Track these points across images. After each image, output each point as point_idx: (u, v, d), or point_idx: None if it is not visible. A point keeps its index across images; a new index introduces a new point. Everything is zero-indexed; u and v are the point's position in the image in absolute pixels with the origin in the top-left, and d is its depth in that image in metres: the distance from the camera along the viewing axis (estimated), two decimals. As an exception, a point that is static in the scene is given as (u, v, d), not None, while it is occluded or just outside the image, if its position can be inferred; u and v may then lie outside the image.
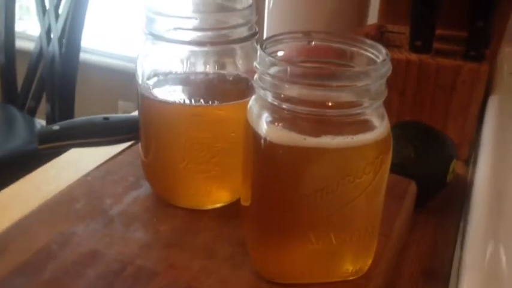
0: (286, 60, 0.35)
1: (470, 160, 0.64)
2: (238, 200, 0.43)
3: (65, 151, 0.64)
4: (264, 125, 0.34)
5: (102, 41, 1.95)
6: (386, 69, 0.33)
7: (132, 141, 0.63)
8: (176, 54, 0.40)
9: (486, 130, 0.54)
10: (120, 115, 0.64)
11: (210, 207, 0.43)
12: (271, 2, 0.76)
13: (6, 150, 1.27)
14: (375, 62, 0.34)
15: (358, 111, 0.33)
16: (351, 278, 0.37)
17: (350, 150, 0.33)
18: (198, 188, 0.42)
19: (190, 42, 0.38)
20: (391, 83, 0.68)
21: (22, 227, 0.40)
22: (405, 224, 0.46)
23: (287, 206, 0.34)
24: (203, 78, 0.41)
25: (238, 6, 0.41)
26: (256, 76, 0.34)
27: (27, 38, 1.74)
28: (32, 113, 1.44)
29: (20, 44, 1.60)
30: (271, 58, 0.33)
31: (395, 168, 0.50)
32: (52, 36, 1.35)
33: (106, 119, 0.61)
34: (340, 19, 0.72)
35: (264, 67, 0.33)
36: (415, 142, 0.51)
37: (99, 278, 0.36)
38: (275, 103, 0.33)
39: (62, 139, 0.58)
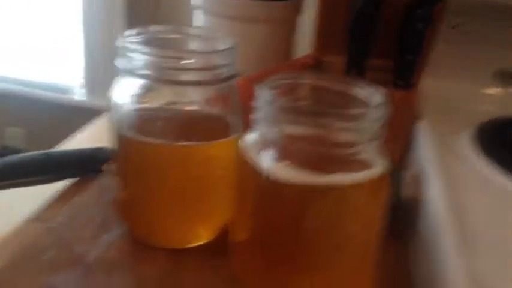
0: (285, 97, 0.36)
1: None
2: (219, 237, 0.43)
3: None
4: (267, 162, 0.34)
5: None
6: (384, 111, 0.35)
7: (75, 178, 0.59)
8: (155, 91, 0.39)
9: (425, 152, 0.58)
10: (59, 150, 0.60)
11: (192, 245, 0.42)
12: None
13: None
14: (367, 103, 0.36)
15: (363, 149, 0.34)
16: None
17: (357, 187, 0.34)
18: (183, 226, 0.41)
19: (172, 82, 0.38)
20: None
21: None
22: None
23: (290, 241, 0.35)
24: (183, 117, 0.40)
25: (221, 45, 0.41)
26: (257, 114, 0.35)
27: None
28: None
29: None
30: (273, 97, 0.33)
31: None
32: None
33: (45, 154, 0.57)
34: (270, 51, 0.74)
35: (265, 105, 0.34)
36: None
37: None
38: (277, 141, 0.34)
39: (6, 178, 0.53)
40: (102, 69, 1.65)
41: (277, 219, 0.35)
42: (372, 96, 0.36)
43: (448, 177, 0.54)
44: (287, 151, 0.34)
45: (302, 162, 0.34)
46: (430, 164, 0.56)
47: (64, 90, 1.79)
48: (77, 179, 0.59)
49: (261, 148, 0.35)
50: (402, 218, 0.58)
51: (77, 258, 0.40)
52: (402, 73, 0.66)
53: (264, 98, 0.34)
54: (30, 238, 0.41)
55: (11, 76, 1.80)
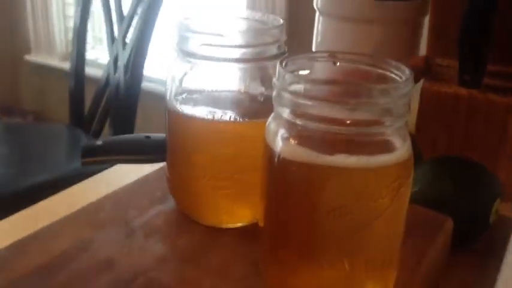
0: (305, 78, 0.35)
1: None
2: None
3: (107, 167, 0.66)
4: (279, 142, 0.33)
5: (160, 70, 2.01)
6: (408, 89, 0.32)
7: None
8: (205, 71, 0.40)
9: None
10: (161, 134, 0.65)
11: (230, 226, 0.43)
12: (319, 36, 0.76)
13: (70, 170, 1.32)
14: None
15: (375, 131, 0.32)
16: (366, 310, 0.35)
17: (365, 171, 0.31)
18: (217, 205, 0.42)
19: (218, 59, 0.39)
20: (438, 117, 0.66)
21: (48, 231, 0.42)
22: (437, 262, 0.43)
23: (298, 226, 0.33)
24: (229, 96, 0.41)
25: (266, 25, 0.41)
26: (274, 93, 0.34)
27: (98, 65, 1.83)
28: (97, 136, 1.50)
29: (90, 71, 1.69)
30: (288, 74, 0.33)
31: (432, 205, 0.48)
32: (119, 64, 1.42)
33: (147, 137, 0.62)
34: (387, 50, 0.71)
35: (282, 83, 0.33)
36: (455, 178, 0.49)
37: (109, 285, 0.36)
38: (291, 120, 0.32)
39: (104, 154, 0.60)
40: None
41: (288, 200, 0.34)
42: (398, 73, 0.33)
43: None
44: (300, 130, 0.33)
45: (316, 141, 0.32)
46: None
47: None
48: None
49: (278, 128, 0.34)
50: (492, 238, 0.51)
51: (125, 221, 0.43)
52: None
53: (279, 77, 0.33)
54: (96, 200, 0.46)
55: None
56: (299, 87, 0.33)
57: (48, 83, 2.05)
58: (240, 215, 0.42)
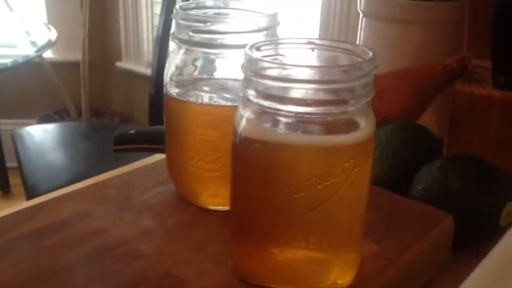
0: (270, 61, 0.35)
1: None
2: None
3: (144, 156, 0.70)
4: (243, 122, 0.34)
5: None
6: (369, 69, 0.32)
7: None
8: (198, 57, 0.42)
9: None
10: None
11: (220, 208, 0.44)
12: (362, 37, 0.76)
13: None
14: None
15: (335, 110, 0.32)
16: (328, 292, 0.35)
17: (316, 150, 0.32)
18: (206, 186, 0.44)
19: (208, 46, 0.41)
20: (471, 119, 0.64)
21: (56, 201, 0.46)
22: (425, 258, 0.42)
23: (255, 204, 0.34)
24: (218, 82, 0.43)
25: (260, 14, 0.43)
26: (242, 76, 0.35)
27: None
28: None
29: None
30: (254, 57, 0.34)
31: (436, 201, 0.46)
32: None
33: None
34: (429, 50, 0.69)
35: (248, 66, 0.34)
36: (463, 176, 0.47)
37: (93, 251, 0.39)
38: (255, 100, 0.33)
39: (135, 143, 0.64)
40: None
41: (245, 178, 0.35)
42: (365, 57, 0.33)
43: None
44: (261, 110, 0.33)
45: (274, 120, 0.33)
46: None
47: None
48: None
49: (243, 109, 0.35)
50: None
51: (125, 198, 0.46)
52: None
53: (246, 60, 0.34)
54: (108, 178, 0.50)
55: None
56: (265, 70, 0.34)
57: (134, 87, 2.19)
58: (227, 198, 0.44)
